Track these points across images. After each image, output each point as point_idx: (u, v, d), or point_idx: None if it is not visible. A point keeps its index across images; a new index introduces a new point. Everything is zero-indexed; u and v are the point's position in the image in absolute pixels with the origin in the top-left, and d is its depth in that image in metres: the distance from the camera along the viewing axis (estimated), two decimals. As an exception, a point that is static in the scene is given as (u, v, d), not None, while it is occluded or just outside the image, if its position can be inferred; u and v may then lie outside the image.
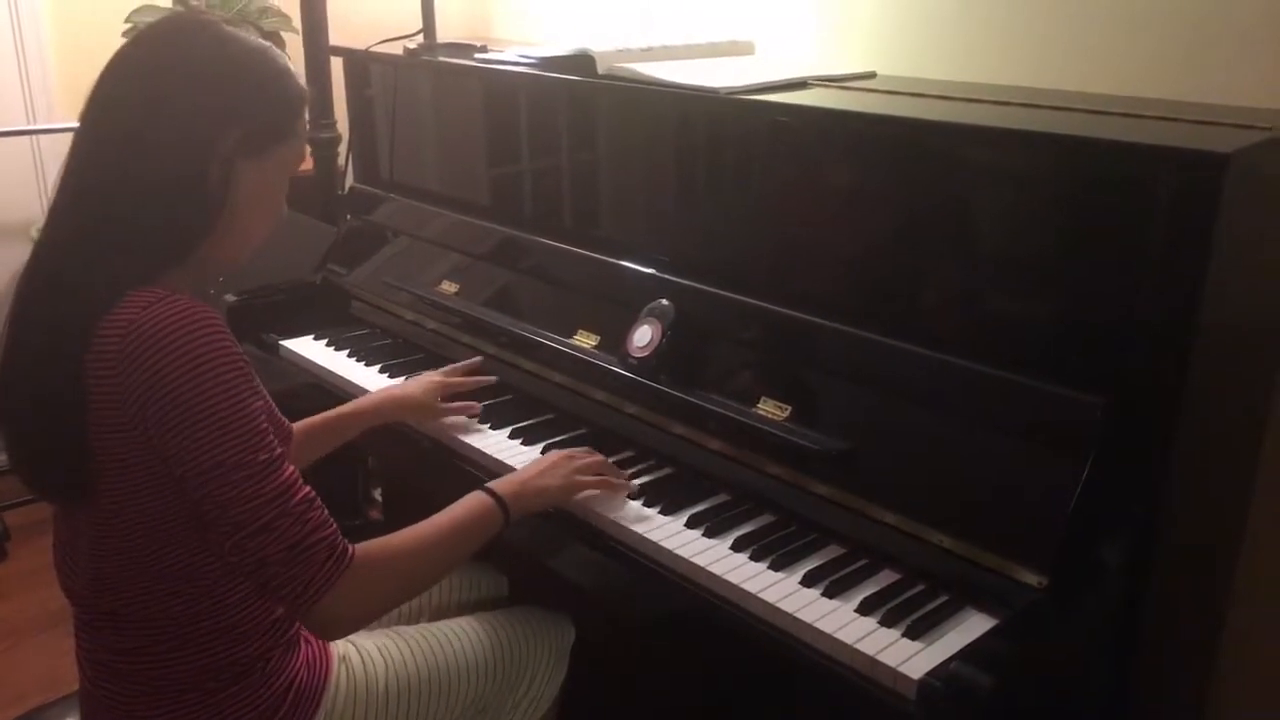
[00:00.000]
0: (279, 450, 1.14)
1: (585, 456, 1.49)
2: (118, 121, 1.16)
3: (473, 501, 1.36)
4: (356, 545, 1.19)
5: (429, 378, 1.75)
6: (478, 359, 1.84)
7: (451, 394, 1.73)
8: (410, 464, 1.85)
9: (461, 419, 1.72)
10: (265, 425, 1.13)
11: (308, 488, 1.16)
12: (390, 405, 1.70)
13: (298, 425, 1.61)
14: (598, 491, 1.46)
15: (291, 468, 1.15)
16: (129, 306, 1.10)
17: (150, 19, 2.66)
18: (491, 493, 1.37)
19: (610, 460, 1.53)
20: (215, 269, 1.26)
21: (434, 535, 1.29)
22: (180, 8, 2.71)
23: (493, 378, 1.79)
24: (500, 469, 1.60)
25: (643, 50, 1.90)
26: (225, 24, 1.23)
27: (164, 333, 1.08)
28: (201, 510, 1.13)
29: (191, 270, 1.20)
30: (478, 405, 1.73)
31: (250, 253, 1.27)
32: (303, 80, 1.26)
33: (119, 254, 1.13)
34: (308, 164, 2.55)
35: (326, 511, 1.17)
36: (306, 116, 1.28)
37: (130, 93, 1.17)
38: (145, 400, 1.08)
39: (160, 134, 1.14)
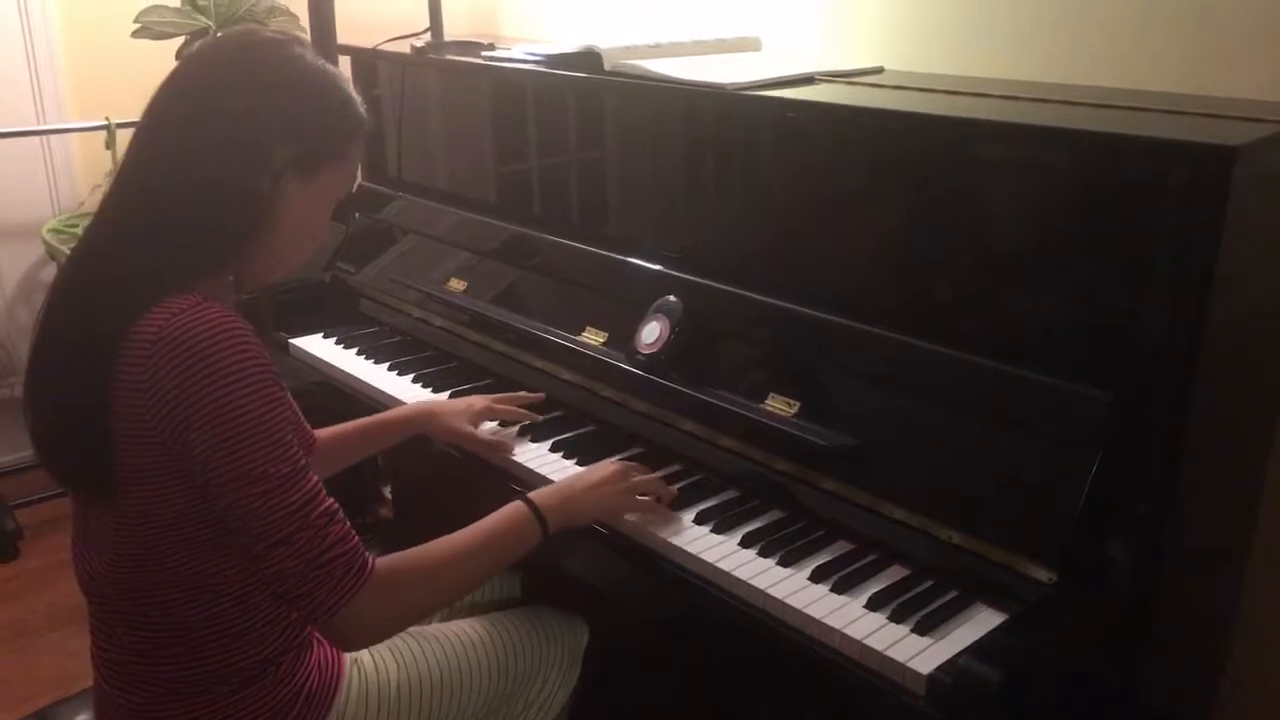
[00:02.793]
0: (302, 462, 1.14)
1: (638, 474, 1.46)
2: (175, 125, 1.17)
3: (509, 513, 1.34)
4: (380, 558, 1.18)
5: (472, 401, 1.70)
6: (541, 395, 1.76)
7: (491, 416, 1.70)
8: (420, 462, 1.85)
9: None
10: (290, 438, 1.13)
11: (330, 500, 1.15)
12: (425, 419, 1.68)
13: (330, 432, 1.61)
14: (641, 513, 1.43)
15: (315, 479, 1.15)
16: (161, 311, 1.10)
17: (158, 19, 2.67)
18: (531, 504, 1.35)
19: (659, 475, 1.49)
20: (248, 285, 1.27)
21: (463, 549, 1.27)
22: (189, 7, 2.71)
23: (539, 417, 1.70)
24: (510, 466, 1.61)
25: (649, 47, 1.90)
26: (297, 43, 1.24)
27: (195, 339, 1.08)
28: (225, 519, 1.13)
29: (225, 283, 1.21)
30: (511, 445, 1.64)
31: (285, 272, 1.27)
32: (363, 107, 1.27)
33: (157, 259, 1.14)
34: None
35: (349, 525, 1.16)
36: (361, 145, 1.28)
37: (191, 99, 1.18)
38: (172, 405, 1.08)
39: (215, 141, 1.15)
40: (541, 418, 1.71)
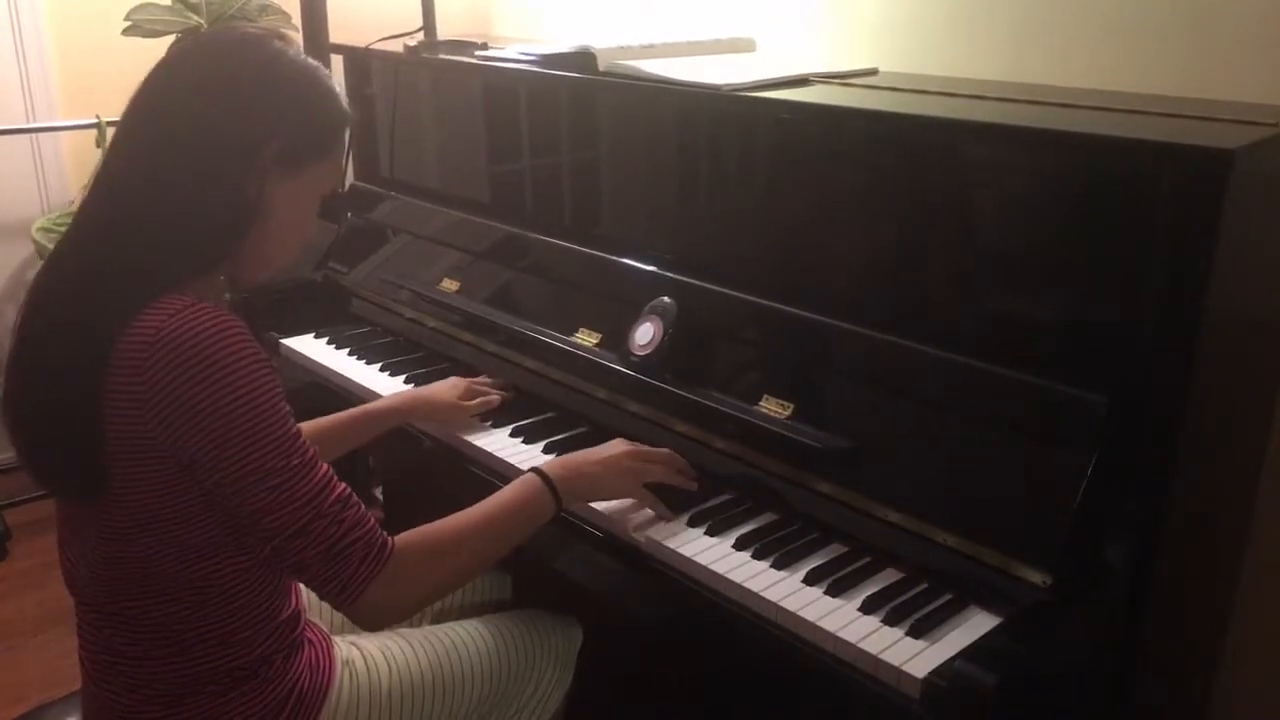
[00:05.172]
0: (311, 452, 1.15)
1: (653, 452, 1.47)
2: (158, 124, 1.16)
3: (522, 484, 1.36)
4: (398, 536, 1.20)
5: (453, 380, 1.75)
6: (501, 382, 1.82)
7: (473, 393, 1.74)
8: (411, 462, 1.85)
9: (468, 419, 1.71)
10: (296, 429, 1.14)
11: (343, 486, 1.17)
12: (416, 405, 1.71)
13: (319, 423, 1.62)
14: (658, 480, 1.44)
15: (325, 467, 1.16)
16: (155, 313, 1.09)
17: (149, 17, 2.66)
18: (542, 475, 1.37)
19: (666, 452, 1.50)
20: (238, 285, 1.26)
21: (479, 522, 1.29)
22: (180, 5, 2.70)
23: (510, 395, 1.78)
24: (501, 467, 1.60)
25: (644, 47, 1.90)
26: (278, 39, 1.23)
27: (194, 339, 1.07)
28: (237, 518, 1.13)
29: (214, 282, 1.20)
30: (497, 397, 1.73)
31: (274, 270, 1.26)
32: (347, 103, 1.27)
33: (147, 259, 1.13)
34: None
35: (363, 508, 1.18)
36: (346, 140, 1.27)
37: (175, 97, 1.17)
38: (172, 407, 1.07)
39: (199, 138, 1.15)
40: (512, 395, 1.75)
